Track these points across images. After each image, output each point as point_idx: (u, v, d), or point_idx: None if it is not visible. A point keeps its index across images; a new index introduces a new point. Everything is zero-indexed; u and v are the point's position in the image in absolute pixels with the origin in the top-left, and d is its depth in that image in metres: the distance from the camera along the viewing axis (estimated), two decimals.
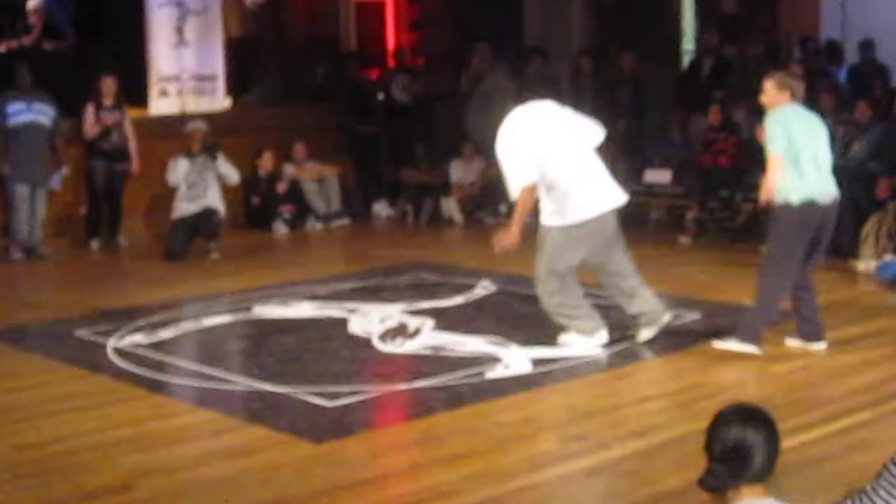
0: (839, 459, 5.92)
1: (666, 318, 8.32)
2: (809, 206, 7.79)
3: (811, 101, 12.88)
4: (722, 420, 3.53)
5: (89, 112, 13.03)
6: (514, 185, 7.98)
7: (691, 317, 9.04)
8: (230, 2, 15.97)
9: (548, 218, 8.08)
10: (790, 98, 7.94)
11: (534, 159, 7.89)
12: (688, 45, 17.59)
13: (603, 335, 8.08)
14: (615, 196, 8.17)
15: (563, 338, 8.10)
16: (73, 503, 5.64)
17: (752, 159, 12.91)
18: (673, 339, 8.39)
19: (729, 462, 3.46)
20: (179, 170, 12.67)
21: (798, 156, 7.78)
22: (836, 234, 11.16)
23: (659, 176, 13.67)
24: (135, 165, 13.26)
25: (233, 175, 13.03)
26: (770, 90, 7.97)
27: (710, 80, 14.71)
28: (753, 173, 12.80)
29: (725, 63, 15.01)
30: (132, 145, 13.23)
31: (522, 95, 8.40)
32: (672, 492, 5.43)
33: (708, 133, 13.20)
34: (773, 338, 8.33)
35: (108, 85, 13.10)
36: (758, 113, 13.60)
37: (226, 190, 13.06)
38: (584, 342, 8.03)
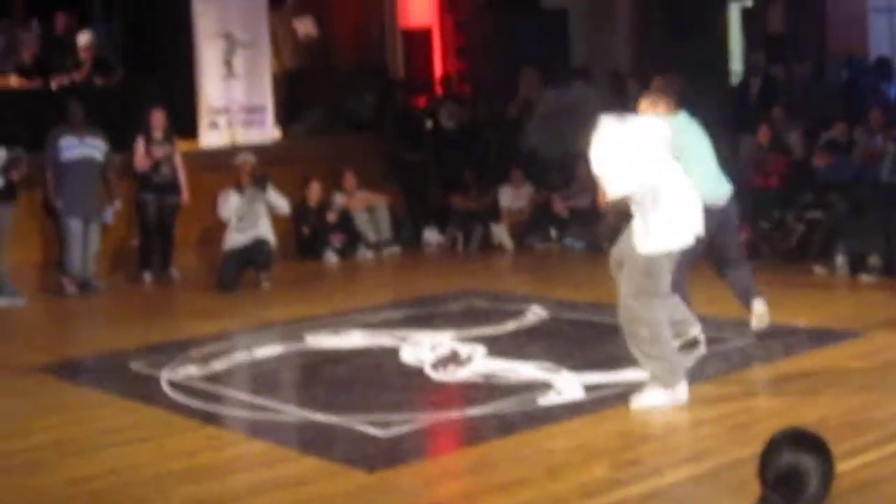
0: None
1: (695, 330, 7.95)
2: (706, 211, 7.70)
3: (861, 119, 12.90)
4: (775, 446, 3.48)
5: (139, 146, 13.15)
6: (613, 191, 7.22)
7: (743, 340, 8.98)
8: (285, 35, 16.09)
9: (641, 244, 7.28)
10: (666, 110, 8.08)
11: (632, 171, 7.19)
12: (735, 65, 17.54)
13: (683, 390, 7.34)
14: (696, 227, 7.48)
15: (637, 400, 7.32)
16: None
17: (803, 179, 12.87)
18: (725, 363, 8.34)
19: (783, 488, 3.42)
20: (231, 204, 12.73)
21: (688, 163, 7.80)
22: (888, 252, 11.11)
23: None
24: (185, 198, 13.36)
25: (283, 205, 13.09)
26: (645, 111, 7.98)
27: (759, 101, 14.65)
28: (804, 193, 12.76)
29: (773, 83, 14.95)
30: (182, 178, 13.34)
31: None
32: None
33: (758, 154, 13.13)
34: (828, 358, 8.28)
35: (158, 118, 13.21)
36: (809, 133, 13.60)
37: (276, 220, 13.12)
38: (661, 398, 7.30)
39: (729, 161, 14.58)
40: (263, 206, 12.87)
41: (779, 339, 8.90)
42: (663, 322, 7.40)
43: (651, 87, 8.97)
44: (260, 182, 12.83)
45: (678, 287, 8.04)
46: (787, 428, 3.60)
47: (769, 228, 12.75)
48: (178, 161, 13.38)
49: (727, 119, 15.14)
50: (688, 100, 14.87)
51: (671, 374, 7.32)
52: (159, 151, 13.18)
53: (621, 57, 16.98)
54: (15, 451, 7.11)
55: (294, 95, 16.38)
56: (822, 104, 14.01)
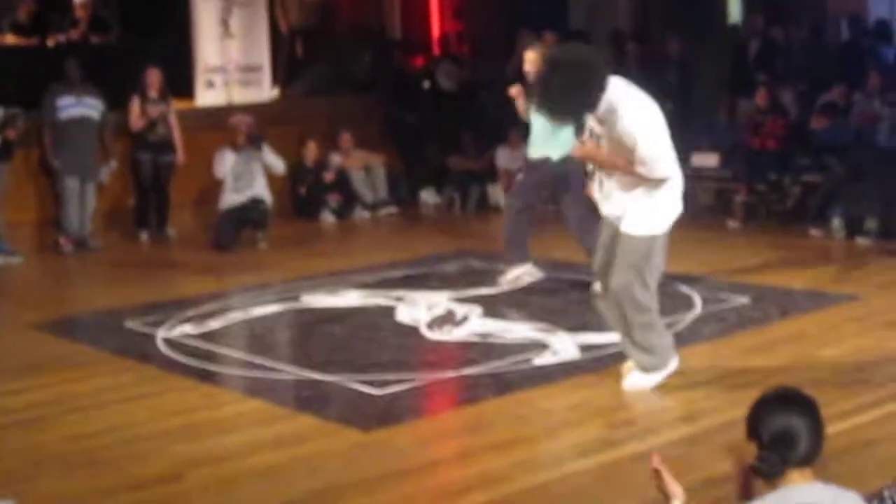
0: (890, 443, 5.85)
1: (673, 364, 7.04)
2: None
3: (859, 82, 12.86)
4: (764, 406, 3.48)
5: (135, 105, 13.10)
6: (660, 168, 6.55)
7: (740, 301, 8.99)
8: None
9: (645, 225, 6.70)
10: None
11: (669, 150, 6.61)
12: (734, 27, 17.45)
13: (673, 362, 6.95)
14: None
15: (628, 382, 6.95)
16: (123, 493, 5.68)
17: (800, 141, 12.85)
18: (721, 324, 8.36)
19: (776, 447, 3.43)
20: (226, 163, 12.71)
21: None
22: (884, 215, 11.12)
23: (706, 160, 13.58)
24: (180, 157, 13.33)
25: (278, 165, 13.08)
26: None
27: (757, 63, 14.61)
28: (801, 156, 12.75)
29: (772, 45, 14.89)
30: (177, 137, 13.30)
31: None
32: (720, 477, 5.39)
33: (755, 116, 13.11)
34: (824, 320, 8.30)
35: (154, 77, 13.16)
36: (805, 95, 13.57)
37: (273, 180, 13.11)
38: (651, 380, 6.91)
39: (725, 122, 14.67)
40: (259, 166, 12.86)
41: (774, 301, 8.92)
42: (655, 309, 6.94)
43: (543, 43, 9.03)
44: (255, 141, 12.81)
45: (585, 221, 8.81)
46: (774, 388, 3.59)
47: (766, 191, 12.75)
48: (174, 120, 13.33)
49: (725, 81, 15.13)
50: (688, 62, 14.94)
51: (659, 364, 6.90)
52: (154, 110, 13.13)
53: (620, 19, 16.91)
54: (12, 408, 7.12)
55: (294, 55, 16.33)
56: (820, 66, 13.96)
